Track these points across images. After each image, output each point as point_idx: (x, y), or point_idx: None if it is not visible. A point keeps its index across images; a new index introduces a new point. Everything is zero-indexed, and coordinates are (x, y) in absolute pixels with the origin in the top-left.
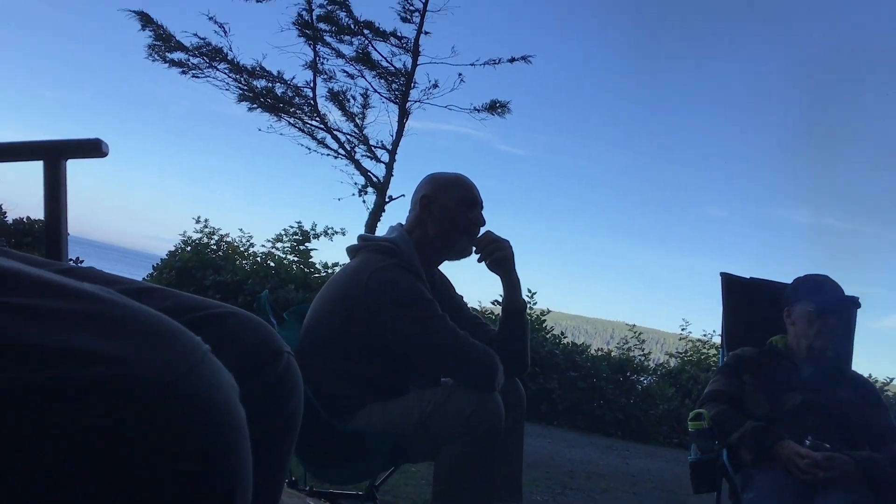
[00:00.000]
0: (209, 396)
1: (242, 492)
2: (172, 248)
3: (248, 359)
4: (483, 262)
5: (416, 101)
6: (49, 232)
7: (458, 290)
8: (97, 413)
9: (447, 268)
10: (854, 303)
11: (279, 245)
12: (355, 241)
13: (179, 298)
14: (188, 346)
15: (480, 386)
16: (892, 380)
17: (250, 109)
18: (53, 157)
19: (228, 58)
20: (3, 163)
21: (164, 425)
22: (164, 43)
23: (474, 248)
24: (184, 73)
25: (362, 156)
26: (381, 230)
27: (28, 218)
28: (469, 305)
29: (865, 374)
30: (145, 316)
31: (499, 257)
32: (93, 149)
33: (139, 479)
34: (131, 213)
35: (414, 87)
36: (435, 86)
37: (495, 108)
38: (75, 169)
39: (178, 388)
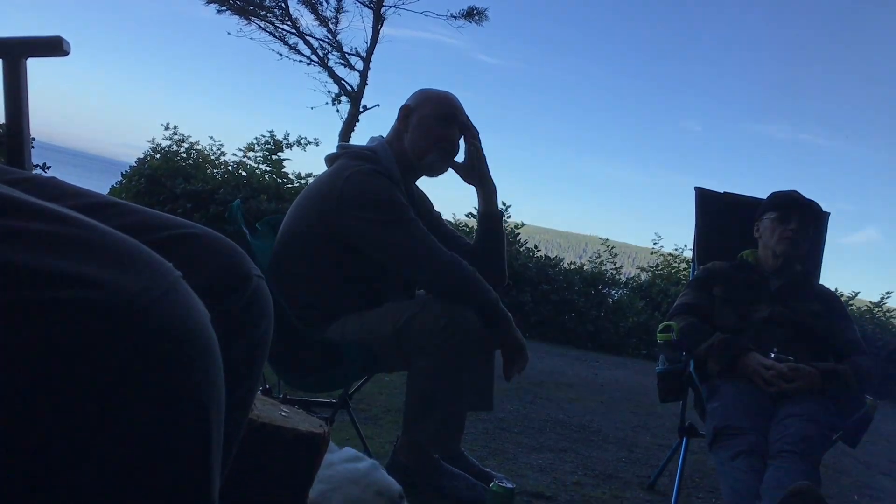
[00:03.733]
0: (182, 322)
1: (217, 415)
2: (141, 156)
3: (215, 282)
4: (459, 173)
5: (391, 7)
6: (11, 136)
7: (437, 203)
8: (69, 336)
9: (424, 184)
10: (812, 205)
11: (251, 154)
12: (334, 150)
13: (143, 214)
14: (160, 272)
15: (451, 293)
16: (857, 294)
17: (219, 12)
18: (12, 55)
19: None
20: None
21: (139, 350)
22: None
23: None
24: None
25: (336, 63)
26: (355, 140)
27: None
28: (444, 219)
29: (833, 289)
30: (119, 242)
31: (476, 165)
32: (53, 47)
33: (114, 403)
34: (99, 119)
35: None
36: None
37: (472, 14)
38: (38, 70)
39: (152, 313)
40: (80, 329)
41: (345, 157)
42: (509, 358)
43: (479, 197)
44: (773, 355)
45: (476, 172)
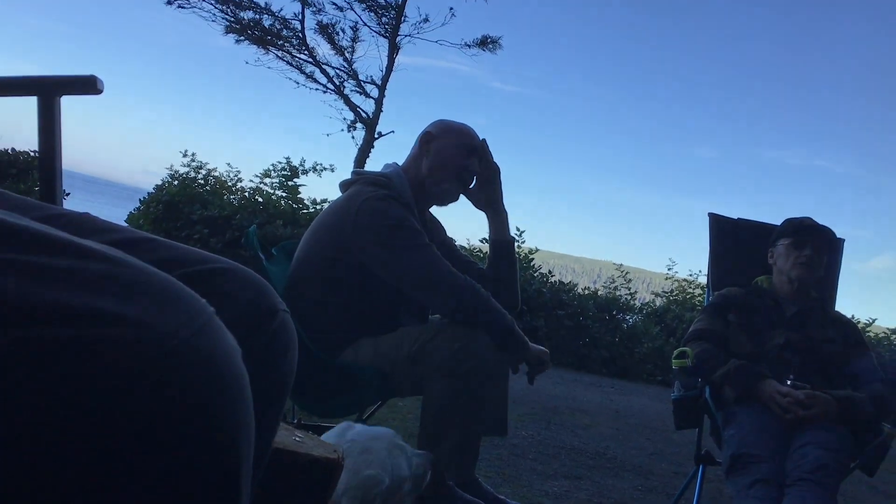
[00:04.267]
0: (216, 360)
1: (247, 453)
2: (160, 182)
3: (244, 317)
4: (471, 199)
5: (406, 36)
6: (43, 170)
7: (450, 228)
8: (102, 374)
9: (437, 211)
10: (826, 231)
11: (267, 180)
12: (349, 176)
13: (174, 250)
14: (194, 309)
15: (466, 317)
16: (874, 320)
17: (238, 42)
18: (48, 93)
19: None
20: None
21: (172, 388)
22: None
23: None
24: (170, 2)
25: (351, 91)
26: (370, 167)
27: (13, 149)
28: (458, 244)
29: (849, 315)
30: (153, 277)
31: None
32: (88, 85)
33: (143, 441)
34: (118, 146)
35: (404, 21)
36: (426, 20)
37: (486, 43)
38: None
39: (186, 351)
40: (112, 367)
41: (359, 183)
42: (532, 369)
43: (490, 224)
44: (789, 382)
45: (488, 199)
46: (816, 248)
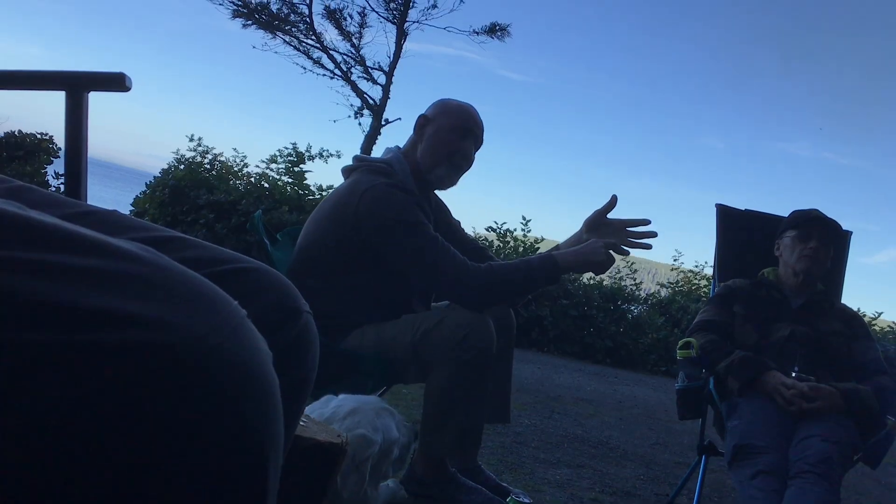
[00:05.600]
0: (247, 363)
1: (275, 456)
2: (165, 166)
3: (269, 317)
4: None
5: (414, 22)
6: (69, 165)
7: (456, 216)
8: (136, 378)
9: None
10: (832, 223)
11: (273, 166)
12: (350, 162)
13: (201, 249)
14: (228, 311)
15: (470, 304)
16: (880, 314)
17: (245, 26)
18: (76, 88)
19: None
20: (26, 90)
21: (201, 394)
22: None
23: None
24: None
25: (359, 77)
26: (377, 153)
27: (20, 131)
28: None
29: (856, 308)
30: (186, 278)
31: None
32: (116, 82)
33: (176, 445)
34: (124, 130)
35: (412, 6)
36: (434, 6)
37: (495, 30)
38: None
39: (219, 354)
40: (143, 372)
41: (360, 170)
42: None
43: (575, 251)
44: (794, 374)
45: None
46: (822, 240)
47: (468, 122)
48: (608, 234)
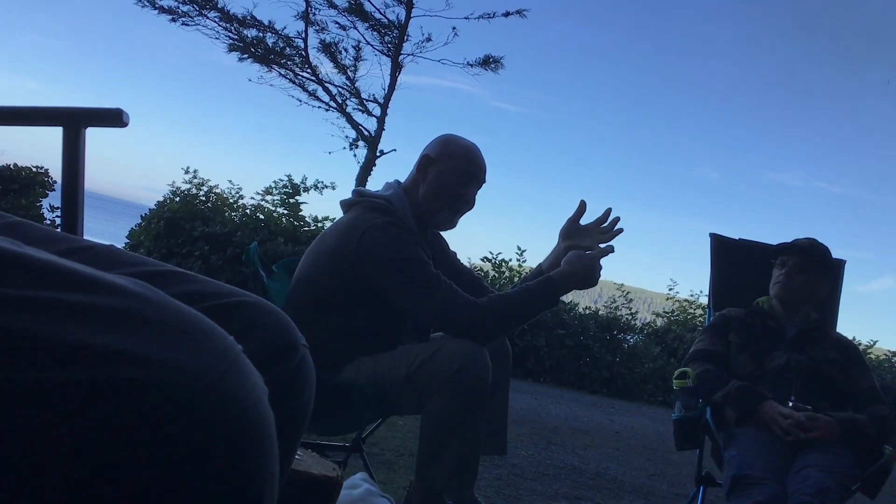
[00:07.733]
0: (242, 401)
1: (270, 495)
2: (161, 199)
3: (266, 351)
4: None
5: (409, 55)
6: (66, 200)
7: (452, 247)
8: (129, 416)
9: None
10: (811, 250)
11: (269, 198)
12: (350, 195)
13: (197, 283)
14: (223, 348)
15: (475, 340)
16: (875, 342)
17: (241, 60)
18: (73, 124)
19: (219, 6)
20: (24, 126)
21: (197, 431)
22: None
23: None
24: (173, 20)
25: (354, 109)
26: (372, 185)
27: (15, 165)
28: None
29: (851, 337)
30: (181, 314)
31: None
32: (114, 118)
33: (168, 485)
34: (120, 163)
35: (407, 40)
36: (428, 39)
37: (489, 63)
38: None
39: (214, 392)
40: (136, 410)
41: (360, 206)
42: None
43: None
44: (791, 403)
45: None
46: (796, 266)
47: (472, 167)
48: (583, 239)
